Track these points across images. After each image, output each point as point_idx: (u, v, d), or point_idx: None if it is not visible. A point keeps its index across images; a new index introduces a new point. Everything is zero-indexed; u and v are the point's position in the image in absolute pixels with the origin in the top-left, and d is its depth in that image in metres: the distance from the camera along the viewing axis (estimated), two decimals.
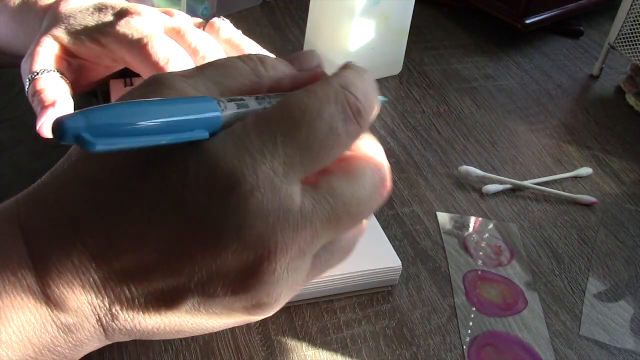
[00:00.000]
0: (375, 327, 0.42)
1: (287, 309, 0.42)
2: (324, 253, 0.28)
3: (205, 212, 0.24)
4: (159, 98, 0.24)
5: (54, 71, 0.44)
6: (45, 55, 0.44)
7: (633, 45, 0.70)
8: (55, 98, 0.42)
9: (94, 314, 0.25)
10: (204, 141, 0.24)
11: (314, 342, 0.41)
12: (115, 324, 0.26)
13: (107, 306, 0.25)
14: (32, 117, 0.43)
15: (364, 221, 0.29)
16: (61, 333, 0.25)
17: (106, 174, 0.25)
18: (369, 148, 0.29)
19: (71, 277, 0.24)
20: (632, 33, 0.70)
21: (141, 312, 0.25)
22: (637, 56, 0.70)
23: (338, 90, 0.25)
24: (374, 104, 0.28)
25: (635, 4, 0.69)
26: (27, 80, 0.43)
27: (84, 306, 0.24)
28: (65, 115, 0.20)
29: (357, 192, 0.26)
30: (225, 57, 0.28)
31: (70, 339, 0.25)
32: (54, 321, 0.24)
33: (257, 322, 0.41)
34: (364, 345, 0.41)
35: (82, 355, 0.27)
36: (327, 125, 0.25)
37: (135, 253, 0.24)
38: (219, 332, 0.40)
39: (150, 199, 0.24)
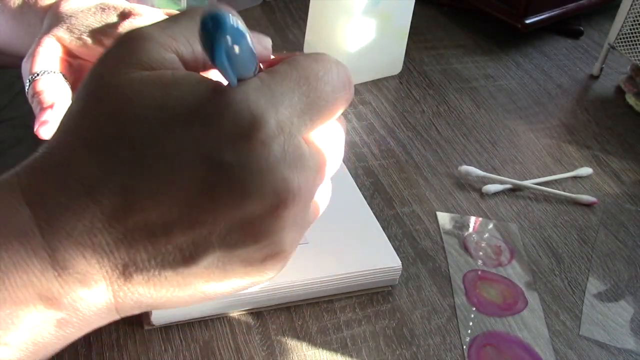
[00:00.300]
0: (375, 327, 0.42)
1: (287, 309, 0.42)
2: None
3: (229, 160, 0.24)
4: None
5: (54, 72, 0.44)
6: (46, 56, 0.44)
7: (633, 45, 0.70)
8: (54, 100, 0.42)
9: (105, 277, 0.24)
10: (225, 90, 0.25)
11: (314, 342, 0.41)
12: (128, 289, 0.25)
13: (120, 269, 0.24)
14: (32, 117, 0.43)
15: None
16: (69, 300, 0.24)
17: (118, 136, 0.24)
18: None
19: (81, 240, 0.24)
20: (632, 33, 0.70)
21: (157, 273, 0.25)
22: (637, 56, 0.70)
23: (336, 61, 0.29)
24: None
25: (635, 4, 0.69)
26: (28, 81, 0.43)
27: (94, 270, 0.24)
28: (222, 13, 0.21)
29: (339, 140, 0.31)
30: (199, 7, 0.29)
31: (78, 306, 0.25)
32: (61, 286, 0.24)
33: (257, 322, 0.41)
34: (364, 345, 0.41)
35: (89, 328, 0.26)
36: (332, 89, 0.28)
37: (155, 208, 0.24)
38: (219, 332, 0.40)
39: (172, 152, 0.24)
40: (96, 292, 0.25)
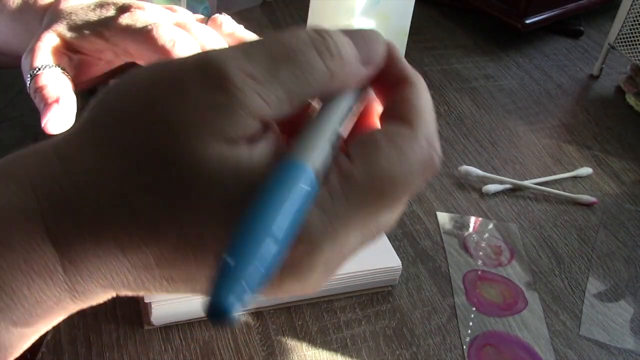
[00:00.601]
0: (375, 327, 0.42)
1: (287, 309, 0.42)
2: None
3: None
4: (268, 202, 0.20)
5: (55, 67, 0.43)
6: (46, 51, 0.44)
7: (633, 45, 0.70)
8: (59, 94, 0.41)
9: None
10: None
11: (314, 342, 0.41)
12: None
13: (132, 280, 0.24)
14: (32, 117, 0.43)
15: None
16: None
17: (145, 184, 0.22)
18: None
19: (104, 281, 0.23)
20: (632, 33, 0.70)
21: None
22: (637, 56, 0.70)
23: (427, 151, 0.23)
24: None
25: (635, 4, 0.69)
26: (29, 76, 0.43)
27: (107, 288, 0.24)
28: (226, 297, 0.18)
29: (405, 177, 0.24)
30: (293, 38, 0.23)
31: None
32: (72, 301, 0.23)
33: (257, 322, 0.41)
34: (364, 345, 0.41)
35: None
36: (414, 177, 0.23)
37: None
38: (219, 332, 0.40)
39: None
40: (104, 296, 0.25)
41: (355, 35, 0.25)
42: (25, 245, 0.22)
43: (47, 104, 0.41)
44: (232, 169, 0.21)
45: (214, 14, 0.76)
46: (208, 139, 0.21)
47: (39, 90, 0.42)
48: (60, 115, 0.41)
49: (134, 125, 0.22)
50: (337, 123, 0.24)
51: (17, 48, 0.50)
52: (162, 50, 0.42)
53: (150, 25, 0.43)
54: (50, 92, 0.41)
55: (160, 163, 0.21)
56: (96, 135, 0.23)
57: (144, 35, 0.43)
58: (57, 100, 0.41)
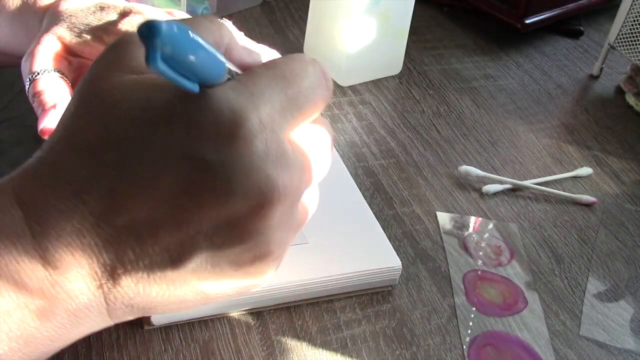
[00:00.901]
0: (375, 327, 0.42)
1: (287, 309, 0.42)
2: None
3: (212, 158, 0.24)
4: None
5: (54, 71, 0.44)
6: (45, 55, 0.44)
7: (633, 45, 0.70)
8: (56, 101, 0.42)
9: (95, 279, 0.24)
10: (205, 91, 0.25)
11: (314, 342, 0.41)
12: (118, 291, 0.25)
13: (109, 270, 0.24)
14: (32, 117, 0.43)
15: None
16: (60, 301, 0.24)
17: (105, 138, 0.25)
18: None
19: (70, 240, 0.24)
20: (632, 33, 0.70)
21: (145, 275, 0.25)
22: (637, 56, 0.70)
23: (312, 59, 0.29)
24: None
25: (635, 4, 0.69)
26: (28, 80, 0.43)
27: (84, 270, 0.24)
28: (162, 25, 0.21)
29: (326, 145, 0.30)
30: (194, 16, 0.30)
31: (70, 307, 0.25)
32: (52, 285, 0.24)
33: (257, 322, 0.41)
34: (364, 345, 0.41)
35: (82, 333, 0.26)
36: (311, 86, 0.28)
37: (140, 209, 0.24)
38: (219, 332, 0.40)
39: (155, 153, 0.24)
40: (87, 293, 0.25)
41: None
42: None
43: (44, 110, 0.41)
44: (141, 85, 0.25)
45: (213, 14, 0.76)
46: (117, 74, 0.26)
47: (37, 95, 0.42)
48: (56, 121, 0.41)
49: (77, 102, 0.27)
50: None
51: (17, 48, 0.50)
52: None
53: None
54: (48, 98, 0.42)
55: (86, 96, 0.26)
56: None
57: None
58: (54, 106, 0.41)
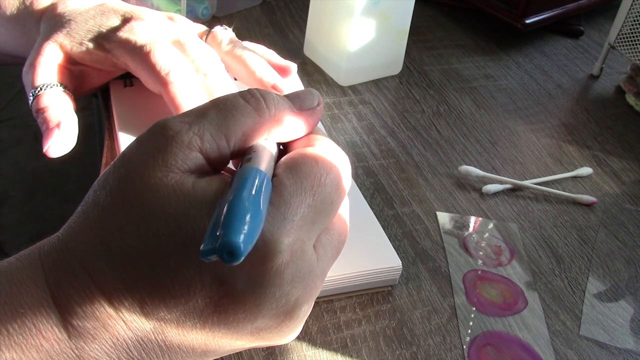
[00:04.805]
0: (375, 327, 0.42)
1: None
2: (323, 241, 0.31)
3: (244, 287, 0.25)
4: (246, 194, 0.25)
5: (56, 85, 0.44)
6: (47, 67, 0.44)
7: (633, 45, 0.70)
8: (60, 119, 0.42)
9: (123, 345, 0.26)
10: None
11: (314, 342, 0.41)
12: (146, 353, 0.26)
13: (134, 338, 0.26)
14: (32, 117, 0.43)
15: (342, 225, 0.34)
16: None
17: (140, 250, 0.25)
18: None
19: (104, 345, 0.25)
20: (632, 33, 0.70)
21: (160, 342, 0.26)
22: (637, 56, 0.70)
23: (333, 149, 0.31)
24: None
25: (635, 4, 0.69)
26: (31, 95, 0.43)
27: (107, 340, 0.25)
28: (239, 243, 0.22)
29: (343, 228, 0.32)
30: (227, 94, 0.30)
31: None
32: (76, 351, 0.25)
33: None
34: (364, 345, 0.41)
35: None
36: (334, 189, 0.29)
37: (170, 320, 0.25)
38: None
39: (189, 275, 0.25)
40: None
41: (290, 94, 0.32)
42: (33, 309, 0.25)
43: (48, 128, 0.42)
44: (177, 195, 0.25)
45: (213, 14, 0.76)
46: (156, 174, 0.26)
47: (40, 111, 0.42)
48: (61, 140, 0.42)
49: (115, 197, 0.27)
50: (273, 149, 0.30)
51: (15, 49, 0.49)
52: (158, 75, 0.43)
53: (148, 45, 0.43)
54: (52, 116, 0.42)
55: (122, 196, 0.26)
56: (79, 214, 0.27)
57: (142, 56, 0.43)
58: (58, 125, 0.42)
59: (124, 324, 0.25)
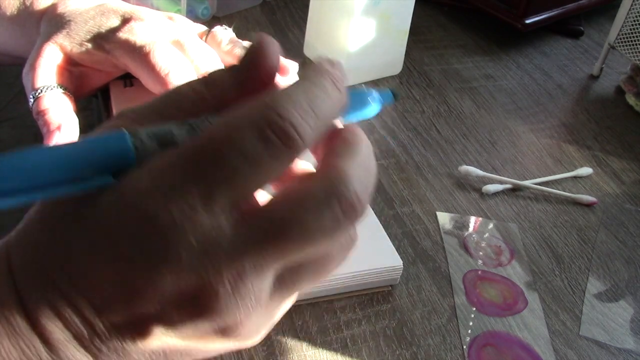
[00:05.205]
0: (375, 327, 0.42)
1: None
2: (289, 274, 0.26)
3: (134, 250, 0.23)
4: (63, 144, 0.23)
5: (56, 87, 0.44)
6: (47, 68, 0.44)
7: (633, 45, 0.70)
8: (60, 121, 0.42)
9: (82, 346, 0.25)
10: (117, 181, 0.23)
11: (314, 342, 0.41)
12: (105, 356, 0.26)
13: (89, 339, 0.25)
14: (32, 117, 0.43)
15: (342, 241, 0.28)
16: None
17: (40, 225, 0.25)
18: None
19: (53, 316, 0.24)
20: (632, 33, 0.70)
21: (121, 342, 0.25)
22: (637, 56, 0.70)
23: (259, 113, 0.23)
24: (323, 119, 0.25)
25: (635, 4, 0.69)
26: (31, 97, 0.43)
27: (69, 341, 0.25)
28: None
29: (299, 216, 0.24)
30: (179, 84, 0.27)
31: None
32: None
33: None
34: (364, 345, 0.41)
35: None
36: (242, 156, 0.23)
37: (93, 291, 0.24)
38: None
39: (84, 241, 0.24)
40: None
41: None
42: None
43: (49, 131, 0.42)
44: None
45: (213, 14, 0.76)
46: None
47: (41, 114, 0.42)
48: (62, 143, 0.42)
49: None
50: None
51: (15, 49, 0.49)
52: (158, 76, 0.43)
53: (148, 46, 0.43)
54: (53, 118, 0.42)
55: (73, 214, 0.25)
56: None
57: (142, 57, 0.43)
58: (58, 128, 0.42)
59: (67, 303, 0.24)
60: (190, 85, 0.27)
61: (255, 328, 0.27)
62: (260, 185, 0.24)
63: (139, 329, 0.25)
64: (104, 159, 0.23)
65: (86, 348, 0.25)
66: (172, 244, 0.23)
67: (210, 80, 0.27)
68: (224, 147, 0.23)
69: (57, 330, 0.25)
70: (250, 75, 0.27)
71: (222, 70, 0.27)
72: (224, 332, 0.26)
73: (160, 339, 0.26)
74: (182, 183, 0.23)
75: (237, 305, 0.25)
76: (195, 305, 0.25)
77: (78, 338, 0.25)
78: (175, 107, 0.26)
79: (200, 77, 0.28)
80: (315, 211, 0.24)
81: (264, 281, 0.25)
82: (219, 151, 0.23)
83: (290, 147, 0.23)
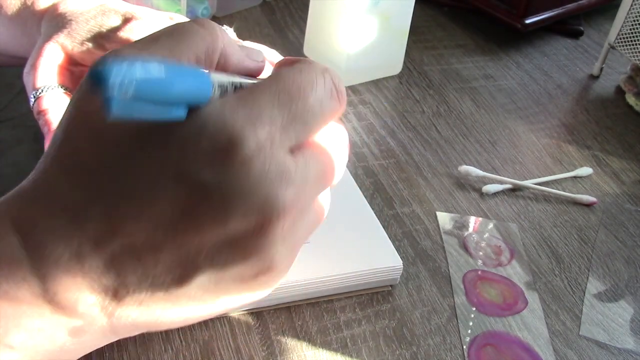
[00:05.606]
0: (375, 327, 0.42)
1: (287, 309, 0.42)
2: (309, 213, 0.29)
3: (209, 180, 0.24)
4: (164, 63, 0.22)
5: (57, 87, 0.44)
6: (48, 68, 0.44)
7: (633, 45, 0.70)
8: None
9: (97, 302, 0.25)
10: (198, 112, 0.24)
11: (314, 342, 0.41)
12: (121, 312, 0.25)
13: (112, 293, 0.24)
14: (32, 117, 0.43)
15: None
16: (62, 325, 0.25)
17: (98, 162, 0.24)
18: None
19: (70, 266, 0.24)
20: (632, 33, 0.70)
21: (148, 296, 0.25)
22: (637, 56, 0.70)
23: (323, 70, 0.28)
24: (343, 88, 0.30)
25: (635, 4, 0.69)
26: (32, 96, 0.43)
27: (85, 294, 0.24)
28: (112, 66, 0.19)
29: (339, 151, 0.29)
30: (183, 21, 0.28)
31: (73, 330, 0.25)
32: (54, 311, 0.24)
33: (257, 321, 0.41)
34: (364, 345, 0.41)
35: (87, 350, 0.27)
36: (318, 101, 0.27)
37: (139, 231, 0.24)
38: (219, 332, 0.40)
39: (151, 176, 0.24)
40: (84, 311, 0.25)
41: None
42: None
43: (50, 131, 0.42)
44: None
45: (213, 14, 0.76)
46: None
47: (41, 113, 0.42)
48: None
49: (67, 126, 0.26)
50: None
51: (16, 49, 0.49)
52: None
53: None
54: (53, 117, 0.42)
55: (72, 123, 0.26)
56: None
57: None
58: None
59: (90, 242, 0.24)
60: (202, 25, 0.29)
61: (285, 268, 0.28)
62: (318, 129, 0.28)
63: (183, 274, 0.25)
64: (190, 93, 0.23)
65: (105, 307, 0.25)
66: (253, 173, 0.24)
67: (224, 34, 0.29)
68: (305, 91, 0.26)
69: (71, 287, 0.24)
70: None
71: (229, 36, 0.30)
72: (265, 273, 0.27)
73: (196, 290, 0.26)
74: (269, 113, 0.25)
75: (289, 241, 0.27)
76: (253, 242, 0.25)
77: (97, 293, 0.24)
78: (185, 45, 0.27)
79: (203, 20, 0.30)
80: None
81: (306, 217, 0.28)
82: (302, 93, 0.26)
83: (342, 105, 0.29)
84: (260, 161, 0.24)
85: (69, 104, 0.27)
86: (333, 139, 0.29)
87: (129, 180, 0.24)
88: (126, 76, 0.19)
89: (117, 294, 0.25)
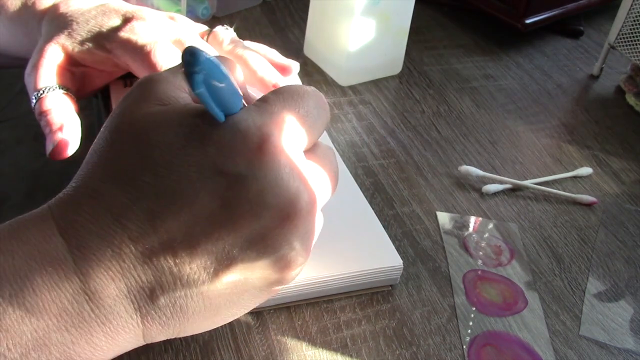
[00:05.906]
0: (375, 327, 0.42)
1: (287, 309, 0.42)
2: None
3: (245, 172, 0.26)
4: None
5: (58, 88, 0.44)
6: (49, 69, 0.44)
7: (633, 45, 0.70)
8: (62, 121, 0.42)
9: (133, 302, 0.25)
10: (232, 115, 0.28)
11: (314, 342, 0.41)
12: (155, 312, 0.26)
13: (148, 292, 0.25)
14: (32, 117, 0.43)
15: None
16: (99, 323, 0.25)
17: (141, 164, 0.26)
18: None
19: (110, 265, 0.25)
20: (632, 33, 0.70)
21: (182, 294, 0.26)
22: (637, 56, 0.70)
23: (307, 87, 0.33)
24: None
25: (635, 4, 0.69)
26: (33, 97, 0.43)
27: (123, 294, 0.25)
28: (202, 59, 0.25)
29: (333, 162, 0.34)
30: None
31: (108, 330, 0.25)
32: (91, 310, 0.25)
33: (257, 321, 0.41)
34: (364, 345, 0.41)
35: (115, 354, 0.27)
36: (316, 106, 0.31)
37: (179, 227, 0.25)
38: (219, 332, 0.40)
39: (192, 173, 0.26)
40: (121, 311, 0.26)
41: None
42: (39, 238, 0.25)
43: (51, 131, 0.42)
44: (171, 113, 0.28)
45: (213, 14, 0.76)
46: (148, 105, 0.28)
47: (43, 114, 0.43)
48: (64, 143, 0.42)
49: (111, 133, 0.29)
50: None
51: (17, 50, 0.49)
52: None
53: (149, 45, 0.43)
54: (55, 119, 0.42)
55: (118, 128, 0.28)
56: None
57: (143, 56, 0.43)
58: (60, 128, 0.42)
59: (131, 241, 0.25)
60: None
61: (300, 266, 0.30)
62: (318, 135, 0.32)
63: (218, 269, 0.27)
64: (230, 100, 0.28)
65: (140, 307, 0.26)
66: (282, 163, 0.28)
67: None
68: (308, 97, 0.31)
69: (110, 284, 0.25)
70: None
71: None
72: (291, 263, 0.29)
73: (230, 282, 0.27)
74: (287, 111, 0.30)
75: (311, 233, 0.30)
76: (281, 234, 0.28)
77: (133, 292, 0.25)
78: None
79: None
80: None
81: (319, 217, 0.32)
82: (306, 99, 0.31)
83: (329, 114, 0.33)
84: (287, 155, 0.28)
85: (116, 111, 0.29)
86: (330, 153, 0.33)
87: (171, 179, 0.26)
88: (209, 61, 0.25)
89: (152, 293, 0.26)
